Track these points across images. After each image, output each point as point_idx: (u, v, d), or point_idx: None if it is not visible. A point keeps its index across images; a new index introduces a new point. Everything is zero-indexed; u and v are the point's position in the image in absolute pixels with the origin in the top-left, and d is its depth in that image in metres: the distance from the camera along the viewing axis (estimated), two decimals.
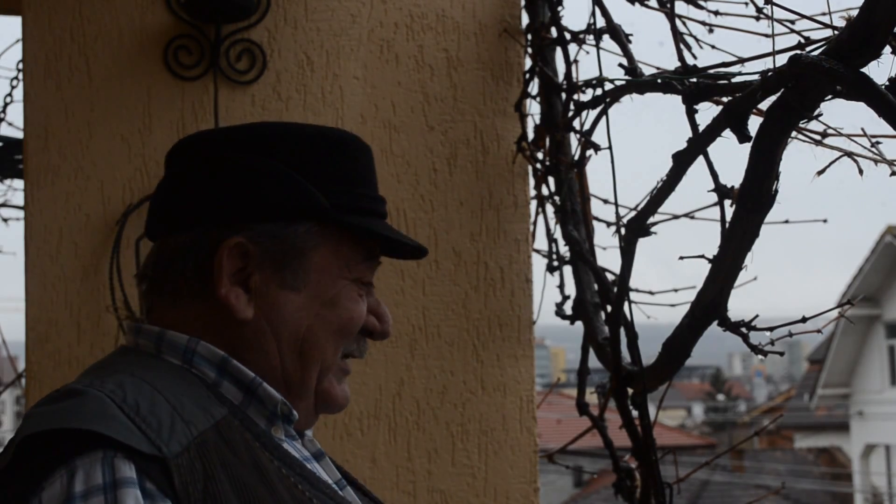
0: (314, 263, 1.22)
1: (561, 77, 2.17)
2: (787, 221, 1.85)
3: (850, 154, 1.45)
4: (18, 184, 3.13)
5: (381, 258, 1.32)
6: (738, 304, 1.63)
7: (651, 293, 2.14)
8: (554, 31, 2.16)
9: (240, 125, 1.34)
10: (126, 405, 1.05)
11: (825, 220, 2.10)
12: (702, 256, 1.60)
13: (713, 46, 1.88)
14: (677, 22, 1.78)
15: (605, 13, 1.99)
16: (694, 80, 1.59)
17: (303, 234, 1.21)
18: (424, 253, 1.32)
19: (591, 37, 2.06)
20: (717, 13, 1.95)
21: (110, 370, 1.15)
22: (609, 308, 1.97)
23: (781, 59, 1.31)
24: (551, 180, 2.20)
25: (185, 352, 1.18)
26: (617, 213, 1.94)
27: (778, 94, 1.35)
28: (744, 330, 1.55)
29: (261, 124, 1.34)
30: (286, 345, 1.21)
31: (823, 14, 1.41)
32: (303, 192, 1.21)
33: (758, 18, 1.78)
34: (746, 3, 1.86)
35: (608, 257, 2.35)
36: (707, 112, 1.56)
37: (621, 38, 1.92)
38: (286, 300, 1.21)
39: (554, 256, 2.24)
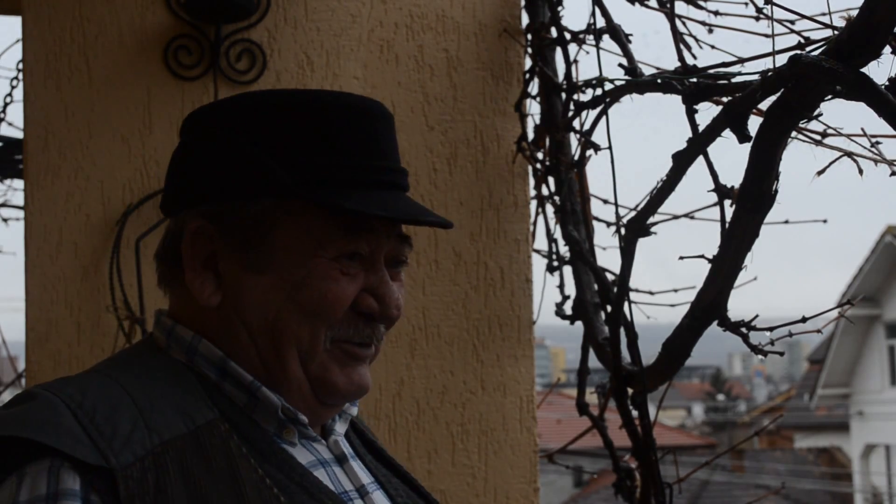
0: (279, 242, 1.12)
1: (561, 77, 2.17)
2: (786, 221, 1.85)
3: (850, 154, 1.45)
4: (18, 184, 3.13)
5: (388, 232, 1.16)
6: (738, 304, 1.63)
7: (651, 293, 2.14)
8: (554, 31, 2.16)
9: (222, 99, 1.23)
10: (81, 410, 1.01)
11: (825, 221, 2.09)
12: (702, 256, 1.60)
13: (713, 46, 1.88)
14: (677, 22, 1.78)
15: (605, 13, 1.99)
16: (694, 80, 1.59)
17: (263, 212, 1.12)
18: (433, 220, 1.17)
19: (591, 37, 2.06)
20: (717, 13, 1.95)
21: (99, 366, 1.14)
22: (609, 308, 1.97)
23: (781, 59, 1.31)
24: (551, 180, 2.20)
25: (188, 349, 1.15)
26: (617, 213, 1.94)
27: (778, 94, 1.35)
28: (744, 330, 1.55)
29: (242, 96, 1.20)
30: (256, 331, 1.13)
31: (823, 14, 1.41)
32: (258, 167, 1.11)
33: (758, 18, 1.78)
34: (746, 4, 1.86)
35: (608, 257, 2.35)
36: (707, 112, 1.56)
37: (621, 38, 1.92)
38: (251, 283, 1.13)
39: (554, 256, 2.24)
